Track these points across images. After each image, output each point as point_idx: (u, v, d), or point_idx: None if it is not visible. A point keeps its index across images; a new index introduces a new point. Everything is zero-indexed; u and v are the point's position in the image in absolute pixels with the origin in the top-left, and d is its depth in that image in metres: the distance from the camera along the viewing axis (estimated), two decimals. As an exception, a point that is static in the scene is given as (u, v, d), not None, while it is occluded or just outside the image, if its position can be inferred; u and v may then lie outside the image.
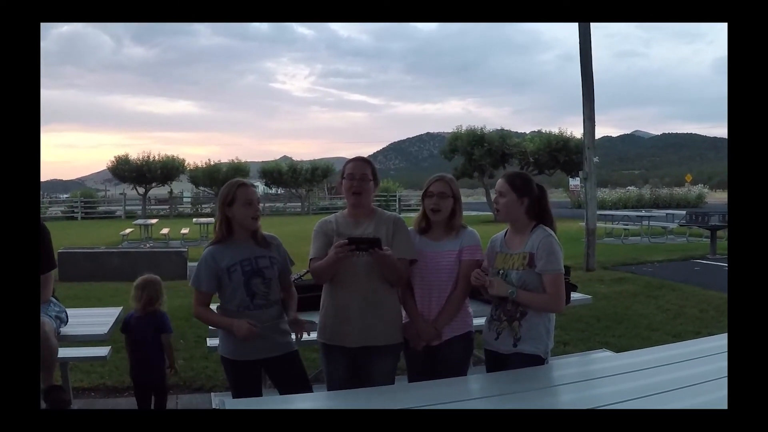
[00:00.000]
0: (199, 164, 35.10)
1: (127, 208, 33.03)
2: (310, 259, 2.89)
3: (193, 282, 2.90)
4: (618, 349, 5.03)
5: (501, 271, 2.82)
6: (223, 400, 2.27)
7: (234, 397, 2.85)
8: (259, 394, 2.86)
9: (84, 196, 33.54)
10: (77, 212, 30.97)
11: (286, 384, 2.87)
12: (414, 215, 3.15)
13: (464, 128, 27.70)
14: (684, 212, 16.53)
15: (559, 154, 26.11)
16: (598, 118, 10.93)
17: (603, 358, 3.82)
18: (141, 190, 32.87)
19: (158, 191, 35.48)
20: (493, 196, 3.01)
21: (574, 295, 3.73)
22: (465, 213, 3.14)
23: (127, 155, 32.72)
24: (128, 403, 4.35)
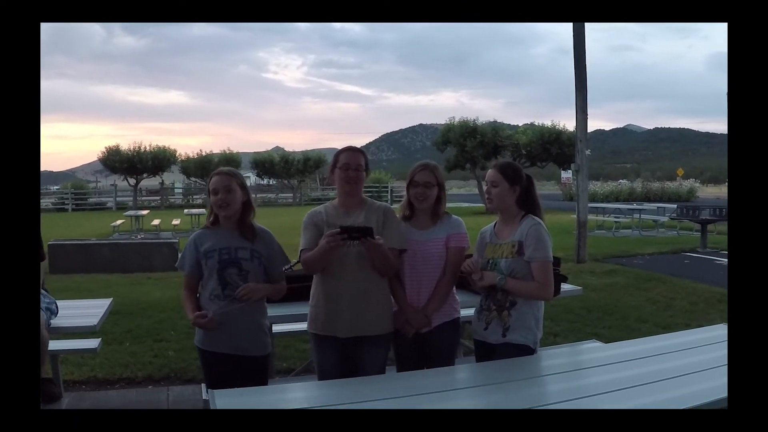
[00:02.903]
0: (191, 155, 35.01)
1: (118, 199, 32.82)
2: (301, 251, 2.88)
3: (178, 263, 2.96)
4: (608, 340, 5.05)
5: (490, 261, 2.84)
6: (213, 392, 2.27)
7: (208, 387, 2.79)
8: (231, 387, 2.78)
9: (74, 187, 33.26)
10: (68, 204, 30.77)
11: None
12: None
13: (457, 120, 27.70)
14: (675, 206, 16.62)
15: (552, 147, 26.21)
16: (591, 111, 10.97)
17: (592, 349, 3.84)
18: (132, 181, 32.70)
19: (149, 182, 35.34)
20: (485, 186, 3.02)
21: (565, 287, 3.74)
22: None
23: (118, 146, 32.54)
24: (119, 395, 4.35)
